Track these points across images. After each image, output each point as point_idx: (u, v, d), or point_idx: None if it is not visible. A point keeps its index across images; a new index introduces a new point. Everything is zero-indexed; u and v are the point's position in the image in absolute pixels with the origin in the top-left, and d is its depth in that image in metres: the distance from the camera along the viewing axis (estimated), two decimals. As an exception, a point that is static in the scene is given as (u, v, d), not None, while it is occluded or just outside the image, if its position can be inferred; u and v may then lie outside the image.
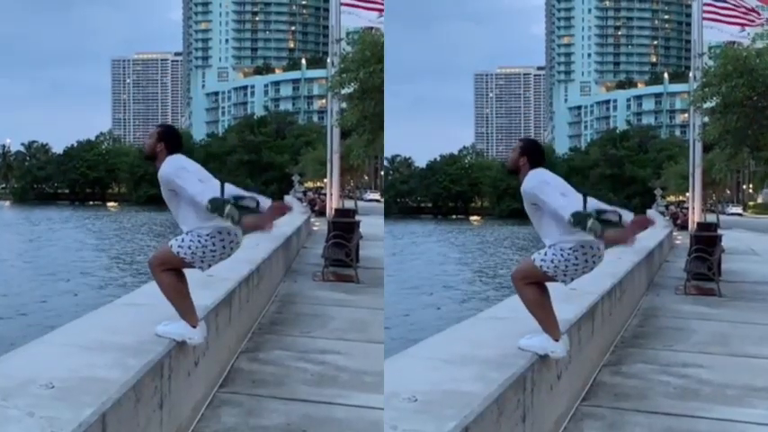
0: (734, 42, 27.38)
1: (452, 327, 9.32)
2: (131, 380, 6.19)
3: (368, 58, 27.30)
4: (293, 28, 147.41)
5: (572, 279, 7.70)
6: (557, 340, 7.71)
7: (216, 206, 7.25)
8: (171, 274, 7.63)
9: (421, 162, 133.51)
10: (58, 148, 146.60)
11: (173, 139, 7.76)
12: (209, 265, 7.73)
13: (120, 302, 10.04)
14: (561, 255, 7.54)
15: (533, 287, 7.71)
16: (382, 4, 24.07)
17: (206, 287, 10.55)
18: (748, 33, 27.07)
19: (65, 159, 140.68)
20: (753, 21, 27.04)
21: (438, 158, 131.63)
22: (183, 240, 7.55)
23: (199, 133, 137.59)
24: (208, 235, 7.55)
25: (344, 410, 8.72)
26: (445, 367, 7.11)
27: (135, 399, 6.17)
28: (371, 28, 25.54)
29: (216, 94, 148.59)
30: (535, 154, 7.75)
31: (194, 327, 7.69)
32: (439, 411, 5.89)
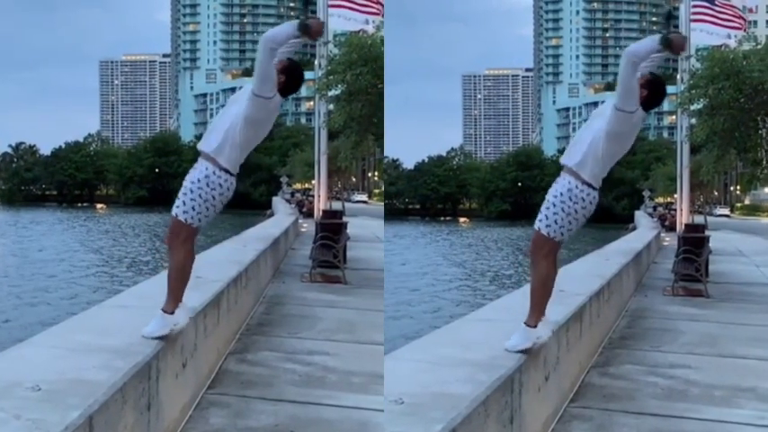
0: (721, 45, 27.47)
1: (440, 328, 9.32)
2: (119, 382, 6.18)
3: (354, 61, 27.37)
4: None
5: (569, 232, 7.71)
6: (534, 325, 7.71)
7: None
8: (186, 253, 7.65)
9: (409, 164, 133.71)
10: (45, 149, 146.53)
11: (292, 78, 7.68)
12: (207, 220, 7.71)
13: (109, 304, 10.02)
14: (554, 208, 7.57)
15: (550, 262, 7.71)
16: (373, 7, 24.07)
17: (194, 288, 10.51)
18: (735, 36, 27.18)
19: (53, 161, 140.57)
20: (740, 24, 27.13)
21: (426, 160, 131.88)
22: (184, 204, 7.57)
23: (187, 134, 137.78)
24: (199, 188, 7.56)
25: (332, 411, 8.72)
26: (433, 369, 7.11)
27: (122, 401, 6.16)
28: (359, 31, 25.56)
29: (204, 95, 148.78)
30: (655, 94, 7.69)
31: (171, 312, 7.67)
32: (426, 413, 5.89)
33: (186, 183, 7.69)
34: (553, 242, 7.70)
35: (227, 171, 7.68)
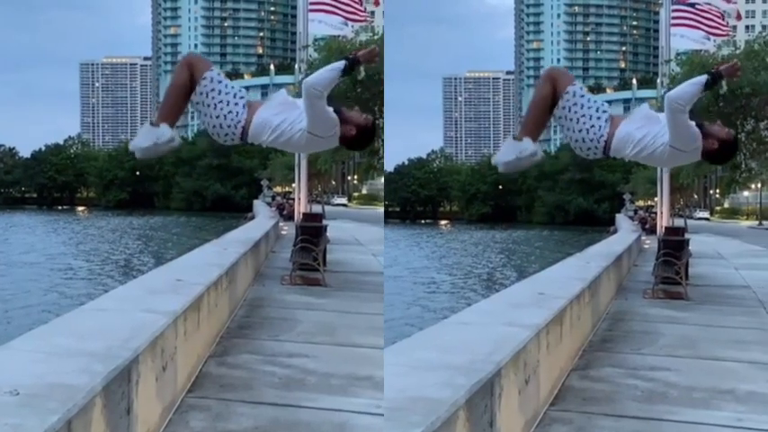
0: (700, 50, 27.62)
1: (419, 332, 9.33)
2: (98, 386, 6.16)
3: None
4: (261, 34, 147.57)
5: (561, 125, 7.53)
6: (520, 139, 7.49)
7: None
8: (190, 77, 7.41)
9: (388, 166, 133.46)
10: (25, 152, 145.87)
11: (362, 137, 7.39)
12: (201, 108, 7.45)
13: (88, 307, 9.99)
14: (581, 110, 7.39)
15: (551, 88, 7.50)
16: (358, 13, 24.09)
17: (175, 292, 10.53)
18: (714, 40, 27.30)
19: (32, 163, 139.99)
20: (720, 28, 27.24)
21: (406, 162, 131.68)
22: (223, 76, 7.38)
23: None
24: (220, 101, 7.33)
25: (312, 413, 8.73)
26: (412, 373, 7.10)
27: (102, 405, 6.14)
28: (338, 35, 25.65)
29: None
30: (725, 154, 7.44)
31: (157, 126, 7.50)
32: (404, 418, 5.88)
33: (231, 92, 7.39)
34: (559, 87, 7.42)
35: (244, 133, 7.41)
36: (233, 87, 7.28)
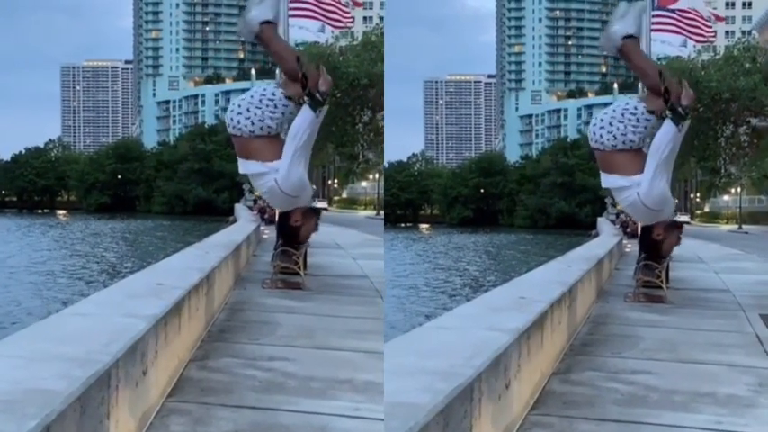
0: (680, 56, 27.75)
1: (399, 336, 9.33)
2: (77, 391, 6.12)
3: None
4: (243, 38, 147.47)
5: (617, 103, 7.74)
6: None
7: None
8: (299, 72, 7.57)
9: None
10: (5, 155, 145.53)
11: (291, 235, 7.67)
12: (258, 88, 7.64)
13: (68, 312, 9.95)
14: (626, 120, 7.51)
15: (659, 82, 7.66)
16: (341, 21, 24.11)
17: (156, 295, 10.50)
18: (694, 46, 27.39)
19: (12, 167, 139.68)
20: (704, 34, 27.30)
21: (386, 166, 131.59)
22: (293, 113, 7.54)
23: (150, 141, 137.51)
24: (258, 105, 7.49)
25: (292, 417, 8.72)
26: (391, 379, 7.09)
27: (80, 410, 6.11)
28: (316, 42, 25.72)
29: (167, 102, 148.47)
30: (652, 251, 7.62)
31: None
32: (385, 423, 5.88)
33: (271, 125, 7.54)
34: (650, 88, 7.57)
35: (233, 140, 7.58)
36: (276, 125, 7.48)
